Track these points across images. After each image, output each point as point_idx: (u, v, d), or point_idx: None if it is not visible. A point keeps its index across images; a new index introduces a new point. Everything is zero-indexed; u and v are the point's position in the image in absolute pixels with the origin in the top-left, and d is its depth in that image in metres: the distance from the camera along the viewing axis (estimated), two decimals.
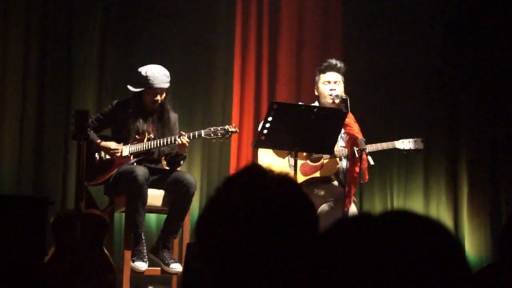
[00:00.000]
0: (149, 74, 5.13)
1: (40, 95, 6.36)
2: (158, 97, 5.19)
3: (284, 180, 1.41)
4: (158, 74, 5.15)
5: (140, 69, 5.20)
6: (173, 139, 5.09)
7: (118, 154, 5.17)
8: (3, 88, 6.27)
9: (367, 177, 5.01)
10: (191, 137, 5.10)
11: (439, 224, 1.04)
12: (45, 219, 3.00)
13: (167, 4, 6.72)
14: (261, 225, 1.33)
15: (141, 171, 5.00)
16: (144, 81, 5.14)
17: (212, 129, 5.15)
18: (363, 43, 6.97)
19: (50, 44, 6.43)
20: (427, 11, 7.02)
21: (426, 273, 0.98)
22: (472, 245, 6.76)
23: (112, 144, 5.21)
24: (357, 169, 4.91)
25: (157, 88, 5.15)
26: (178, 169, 5.38)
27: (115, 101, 5.35)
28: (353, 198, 5.13)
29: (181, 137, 5.06)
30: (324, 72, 5.41)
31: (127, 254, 5.06)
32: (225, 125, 5.23)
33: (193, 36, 6.77)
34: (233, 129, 5.19)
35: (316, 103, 5.41)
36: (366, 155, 4.83)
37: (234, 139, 6.62)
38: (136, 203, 4.98)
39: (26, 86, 6.32)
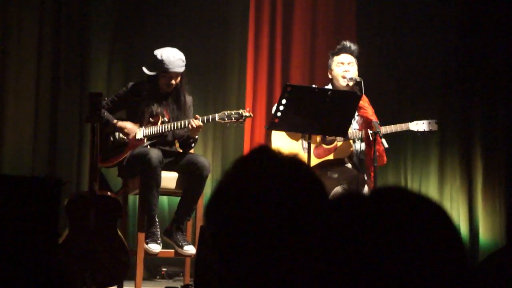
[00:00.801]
0: (164, 57, 5.12)
1: (54, 78, 6.37)
2: (173, 81, 5.18)
3: (293, 161, 1.40)
4: (173, 58, 5.13)
5: (155, 52, 5.19)
6: (187, 122, 5.08)
7: (133, 135, 5.18)
8: (18, 72, 6.28)
9: (385, 159, 4.99)
10: (205, 121, 5.10)
11: (431, 202, 1.03)
12: (59, 200, 3.02)
13: None
14: (270, 207, 1.33)
15: (155, 153, 5.00)
16: (159, 64, 5.13)
17: (226, 113, 5.14)
18: (376, 26, 6.94)
19: (63, 28, 6.43)
20: None
21: (418, 249, 0.98)
22: (486, 229, 6.74)
23: (128, 125, 5.21)
24: (373, 152, 4.88)
25: (172, 72, 5.15)
26: (192, 151, 5.38)
27: (130, 83, 5.35)
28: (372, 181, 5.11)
29: (195, 120, 5.05)
30: (337, 54, 5.39)
31: (141, 236, 5.07)
32: (239, 109, 5.21)
33: (206, 20, 6.76)
34: (247, 114, 5.18)
35: (330, 86, 5.38)
36: (380, 137, 4.80)
37: (247, 122, 6.60)
38: (150, 185, 4.98)
39: (40, 69, 6.34)
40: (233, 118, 5.14)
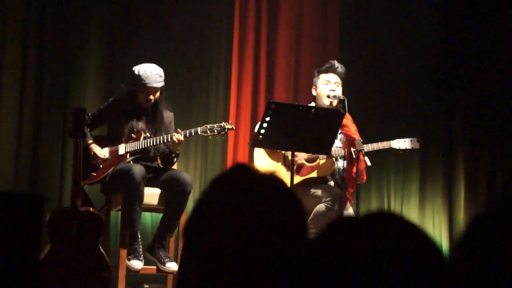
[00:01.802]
0: (141, 73, 5.13)
1: (37, 93, 6.35)
2: (151, 96, 5.19)
3: (271, 179, 1.41)
4: (150, 74, 5.14)
5: (134, 68, 5.21)
6: (169, 137, 5.08)
7: (100, 166, 5.17)
8: (1, 86, 6.25)
9: (365, 178, 5.01)
10: (188, 135, 5.10)
11: (415, 226, 1.05)
12: (41, 216, 3.00)
13: (165, 3, 6.72)
14: (249, 225, 1.33)
15: (138, 169, 4.99)
16: (137, 80, 5.14)
17: (208, 126, 5.15)
18: (360, 44, 6.98)
19: (47, 42, 6.41)
20: (423, 10, 7.02)
21: (404, 273, 0.99)
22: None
23: (97, 150, 5.20)
24: (354, 170, 4.91)
25: (149, 88, 5.15)
26: (174, 167, 5.38)
27: (111, 99, 5.37)
28: (351, 198, 5.13)
29: (177, 134, 5.05)
30: (325, 72, 5.41)
31: (123, 252, 5.05)
32: (222, 122, 5.22)
33: (191, 36, 6.77)
34: (230, 126, 5.19)
35: (313, 104, 5.40)
36: (364, 155, 4.83)
37: (230, 138, 6.62)
38: (132, 201, 4.97)
39: (24, 84, 6.31)
40: (215, 131, 5.14)
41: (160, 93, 5.24)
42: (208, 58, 6.83)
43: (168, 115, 5.34)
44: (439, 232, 6.82)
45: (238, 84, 6.83)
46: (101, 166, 5.20)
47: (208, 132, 5.12)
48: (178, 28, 6.71)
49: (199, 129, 5.12)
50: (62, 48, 6.44)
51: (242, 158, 6.64)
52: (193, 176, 6.29)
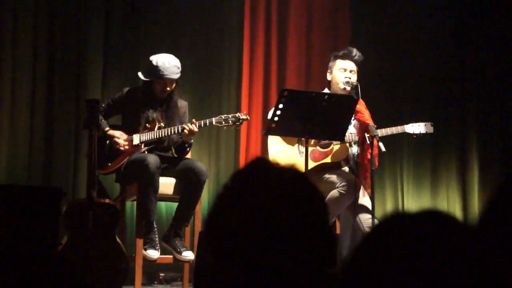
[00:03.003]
0: (159, 64, 5.12)
1: (49, 85, 6.36)
2: (168, 87, 5.19)
3: (291, 171, 1.41)
4: (168, 65, 5.14)
5: (151, 58, 5.20)
6: (183, 127, 5.08)
7: (122, 148, 5.17)
8: (13, 80, 6.26)
9: (376, 164, 5.00)
10: (202, 125, 5.10)
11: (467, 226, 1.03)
12: (59, 210, 3.02)
13: None
14: (271, 218, 1.33)
15: (153, 159, 5.00)
16: (154, 70, 5.13)
17: (223, 116, 5.15)
18: (371, 29, 6.96)
19: (58, 35, 6.42)
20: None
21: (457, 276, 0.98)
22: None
23: (117, 133, 5.20)
24: (368, 156, 4.90)
25: (166, 79, 5.15)
26: (188, 156, 5.38)
27: (126, 88, 5.36)
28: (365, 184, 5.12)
29: (191, 125, 5.05)
30: (342, 58, 5.37)
31: (139, 242, 5.06)
32: (236, 113, 5.22)
33: (202, 24, 6.76)
34: (244, 117, 5.19)
35: (326, 90, 5.39)
36: (378, 141, 4.81)
37: (243, 126, 6.60)
38: (147, 191, 4.98)
39: (35, 77, 6.32)
40: (230, 122, 5.14)
41: (176, 84, 5.24)
42: (219, 47, 6.82)
43: (182, 105, 5.34)
44: (453, 212, 6.80)
45: (249, 72, 6.82)
46: (126, 147, 5.19)
47: (223, 122, 5.12)
48: (189, 17, 6.71)
49: (213, 119, 5.11)
50: (73, 40, 6.44)
51: (255, 146, 6.64)
52: (206, 166, 6.29)
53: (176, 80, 5.22)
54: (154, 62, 5.15)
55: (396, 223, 1.05)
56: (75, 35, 6.45)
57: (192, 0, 6.72)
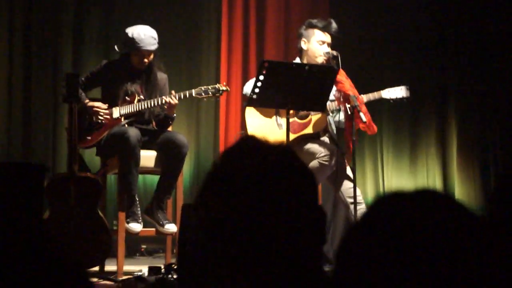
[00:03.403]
0: (135, 36, 5.08)
1: (26, 60, 6.30)
2: (146, 59, 5.15)
3: (281, 148, 1.41)
4: (144, 36, 5.09)
5: (127, 30, 5.15)
6: (163, 99, 5.06)
7: (103, 118, 5.13)
8: None
9: (375, 128, 5.00)
10: (182, 97, 5.08)
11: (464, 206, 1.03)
12: (42, 186, 3.02)
13: None
14: (261, 195, 1.33)
15: (133, 132, 4.98)
16: (130, 42, 5.09)
17: (203, 88, 5.13)
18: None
19: (35, 7, 6.34)
20: None
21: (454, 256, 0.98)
22: (461, 197, 6.82)
23: (99, 104, 5.17)
24: (351, 125, 4.90)
25: (143, 50, 5.11)
26: (169, 129, 5.36)
27: (104, 61, 5.32)
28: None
29: (171, 96, 5.03)
30: (321, 30, 5.29)
31: (121, 216, 5.06)
32: (216, 84, 5.20)
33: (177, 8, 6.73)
34: (224, 88, 5.18)
35: (297, 59, 5.32)
36: (358, 111, 4.82)
37: (222, 98, 6.59)
38: (129, 165, 4.97)
39: (12, 51, 6.26)
40: (209, 93, 5.12)
41: (154, 56, 5.20)
42: (197, 18, 6.79)
43: (162, 77, 5.31)
44: (432, 182, 6.86)
45: (228, 44, 6.79)
46: (107, 117, 5.15)
47: (203, 94, 5.10)
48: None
49: (193, 91, 5.10)
50: (50, 12, 6.37)
51: (235, 118, 6.64)
52: (186, 137, 6.28)
53: (154, 52, 5.18)
54: (130, 34, 5.11)
55: (392, 203, 1.05)
56: (51, 9, 6.38)
57: None
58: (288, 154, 1.41)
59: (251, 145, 1.41)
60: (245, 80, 6.57)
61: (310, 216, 1.36)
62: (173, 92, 5.08)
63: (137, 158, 4.99)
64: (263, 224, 1.32)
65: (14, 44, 6.27)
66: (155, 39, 5.14)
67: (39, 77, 6.32)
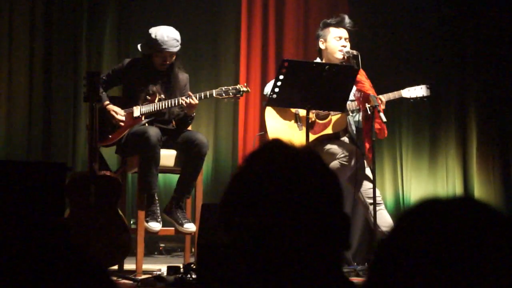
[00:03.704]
0: (158, 37, 5.09)
1: (47, 58, 6.34)
2: (167, 60, 5.16)
3: (307, 152, 1.40)
4: (167, 38, 5.10)
5: (150, 31, 5.16)
6: (183, 99, 5.07)
7: (121, 123, 5.15)
8: (9, 54, 6.24)
9: (386, 132, 4.98)
10: (203, 97, 5.09)
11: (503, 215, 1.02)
12: (63, 185, 3.04)
13: None
14: (286, 199, 1.33)
15: (154, 131, 4.99)
16: (153, 43, 5.10)
17: (223, 88, 5.13)
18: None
19: (56, 7, 6.39)
20: None
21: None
22: (481, 198, 6.78)
23: (117, 110, 5.18)
24: (371, 126, 4.88)
25: (166, 52, 5.11)
26: (189, 128, 5.37)
27: (127, 60, 5.32)
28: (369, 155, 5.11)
29: (190, 97, 5.04)
30: (336, 26, 5.31)
31: (141, 214, 5.07)
32: (236, 85, 5.20)
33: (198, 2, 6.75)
34: (245, 89, 5.18)
35: (318, 59, 5.33)
36: (378, 111, 4.80)
37: (241, 99, 6.59)
38: (149, 164, 4.98)
39: (33, 50, 6.31)
40: (230, 94, 5.13)
41: (176, 57, 5.21)
42: (217, 17, 6.80)
43: (183, 77, 5.32)
44: (452, 183, 6.83)
45: (247, 42, 6.79)
46: (122, 124, 5.18)
47: (224, 94, 5.10)
48: None
49: (214, 91, 5.10)
50: (70, 14, 6.41)
51: (253, 118, 6.63)
52: (206, 138, 6.29)
53: (176, 53, 5.19)
54: (153, 35, 5.11)
55: (429, 210, 1.04)
56: (73, 9, 6.42)
57: None
58: (314, 158, 1.41)
59: (276, 148, 1.41)
60: (264, 80, 6.58)
61: (335, 221, 1.36)
62: (189, 93, 5.08)
63: (157, 158, 5.00)
64: (287, 228, 1.32)
65: (35, 43, 6.30)
66: (177, 41, 5.14)
67: (60, 75, 6.35)
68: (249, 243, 1.34)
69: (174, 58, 5.19)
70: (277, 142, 1.43)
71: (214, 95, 5.09)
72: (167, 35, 5.11)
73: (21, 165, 2.98)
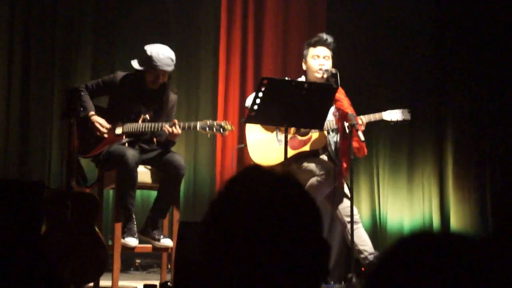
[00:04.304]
0: (154, 54, 5.05)
1: (24, 74, 6.32)
2: (160, 79, 5.13)
3: (285, 178, 1.41)
4: (162, 56, 5.06)
5: (145, 47, 5.11)
6: (166, 127, 5.01)
7: (105, 135, 5.12)
8: None
9: (365, 150, 5.00)
10: (186, 128, 5.04)
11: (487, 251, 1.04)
12: (41, 204, 3.01)
13: None
14: (265, 225, 1.33)
15: (131, 154, 4.94)
16: (147, 60, 5.06)
17: (208, 122, 5.06)
18: (347, 17, 6.97)
19: (34, 26, 6.39)
20: None
21: None
22: (457, 217, 6.83)
23: (102, 122, 5.14)
24: (349, 144, 4.89)
25: (159, 70, 5.09)
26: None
27: (120, 73, 5.24)
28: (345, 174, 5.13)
29: (174, 125, 5.00)
30: (314, 46, 5.36)
31: (118, 230, 5.04)
32: (222, 121, 5.13)
33: (178, 14, 6.75)
34: (229, 127, 5.10)
35: (303, 78, 5.38)
36: (356, 130, 4.81)
37: (220, 112, 6.61)
38: (126, 186, 4.95)
39: (11, 66, 6.28)
40: (214, 130, 5.08)
41: (168, 77, 5.18)
42: (196, 33, 6.81)
43: (172, 98, 5.27)
44: (428, 202, 6.86)
45: (226, 58, 6.80)
46: (105, 136, 5.13)
47: (207, 129, 5.05)
48: (164, 9, 6.71)
49: (198, 124, 5.04)
50: (49, 28, 6.40)
51: (232, 135, 6.62)
52: (183, 154, 6.28)
53: (169, 74, 5.15)
54: (148, 52, 5.08)
55: (418, 243, 1.05)
56: (51, 23, 6.42)
57: None
58: (292, 184, 1.41)
59: (255, 174, 1.41)
60: (242, 95, 6.59)
61: (314, 248, 1.36)
62: (175, 121, 5.03)
63: (134, 181, 4.97)
64: (267, 254, 1.32)
65: (13, 57, 6.28)
66: (172, 60, 5.11)
67: (37, 91, 6.33)
68: (229, 269, 1.34)
69: (166, 77, 5.16)
70: (256, 168, 1.43)
71: (198, 128, 5.05)
72: (162, 53, 5.07)
73: None
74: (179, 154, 5.28)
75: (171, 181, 5.06)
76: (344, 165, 4.99)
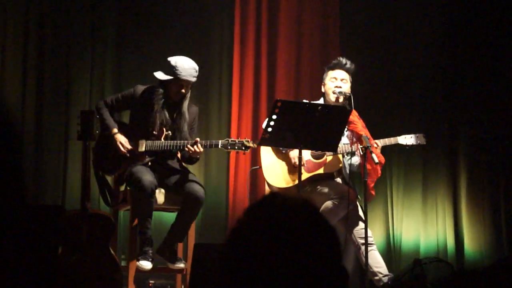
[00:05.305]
0: (178, 64, 5.07)
1: (39, 96, 6.36)
2: (183, 90, 5.13)
3: (305, 206, 1.42)
4: (187, 66, 5.07)
5: (169, 58, 5.12)
6: (189, 146, 4.99)
7: (124, 153, 5.12)
8: (1, 91, 6.24)
9: (379, 172, 5.01)
10: (208, 146, 5.05)
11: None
12: (59, 225, 3.04)
13: (163, 4, 6.75)
14: (284, 254, 1.35)
15: (148, 181, 4.95)
16: (172, 70, 5.07)
17: (229, 140, 5.06)
18: (361, 39, 6.99)
19: (48, 46, 6.42)
20: (426, 7, 7.04)
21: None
22: (471, 239, 6.80)
23: (124, 141, 5.14)
24: (367, 166, 4.89)
25: (183, 80, 5.10)
26: (190, 174, 5.28)
27: (140, 87, 5.23)
28: (357, 194, 5.15)
29: (196, 144, 5.02)
30: (332, 68, 5.41)
31: (132, 252, 5.05)
32: (243, 139, 5.12)
33: (190, 31, 6.77)
34: (251, 145, 5.08)
35: (321, 100, 5.41)
36: (370, 152, 4.82)
37: (233, 134, 6.61)
38: (143, 214, 4.96)
39: (25, 87, 6.32)
40: (236, 147, 5.07)
41: (191, 89, 5.19)
42: (209, 54, 6.83)
43: (193, 110, 5.26)
44: (442, 223, 6.84)
45: (240, 79, 6.82)
46: (128, 155, 5.14)
47: (229, 147, 5.05)
48: (176, 24, 6.73)
49: (220, 142, 5.03)
50: (63, 49, 6.44)
51: (244, 157, 6.61)
52: (197, 175, 6.28)
53: (192, 85, 5.17)
54: (172, 62, 5.09)
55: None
56: (65, 47, 6.46)
57: (180, 6, 6.75)
58: (312, 212, 1.43)
59: (275, 202, 1.43)
60: (256, 116, 6.61)
61: (333, 274, 1.38)
62: (197, 139, 5.01)
63: (150, 208, 4.98)
64: (286, 281, 1.34)
65: (27, 78, 6.32)
66: (196, 71, 5.12)
67: (51, 113, 6.36)
68: None
69: (189, 89, 5.17)
70: (275, 196, 1.45)
71: (219, 146, 5.05)
72: (187, 63, 5.09)
73: (17, 208, 2.97)
74: (199, 183, 5.20)
75: (190, 209, 5.07)
76: (371, 184, 5.01)
